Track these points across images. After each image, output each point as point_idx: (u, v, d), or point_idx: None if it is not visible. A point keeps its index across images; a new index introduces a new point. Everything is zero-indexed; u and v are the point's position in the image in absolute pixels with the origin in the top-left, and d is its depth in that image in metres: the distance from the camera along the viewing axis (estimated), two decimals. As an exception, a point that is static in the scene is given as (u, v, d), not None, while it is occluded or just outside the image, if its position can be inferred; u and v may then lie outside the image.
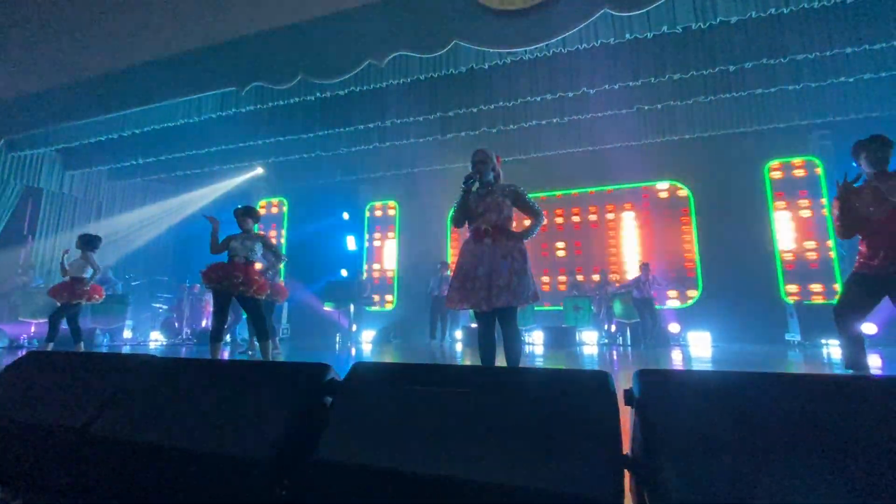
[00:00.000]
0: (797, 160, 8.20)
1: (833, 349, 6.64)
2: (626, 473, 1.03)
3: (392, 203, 10.89)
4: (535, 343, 8.18)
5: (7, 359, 5.13)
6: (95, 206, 10.45)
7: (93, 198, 10.37)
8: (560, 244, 9.51)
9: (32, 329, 8.14)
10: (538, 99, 6.51)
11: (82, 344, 5.50)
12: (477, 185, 2.77)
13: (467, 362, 5.18)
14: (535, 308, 8.14)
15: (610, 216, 9.30)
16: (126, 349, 7.80)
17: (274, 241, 7.35)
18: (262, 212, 11.36)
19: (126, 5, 5.82)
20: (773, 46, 5.36)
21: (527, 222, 2.84)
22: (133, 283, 10.16)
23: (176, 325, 9.31)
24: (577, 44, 5.47)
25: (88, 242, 5.53)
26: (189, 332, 9.07)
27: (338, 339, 9.40)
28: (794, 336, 7.17)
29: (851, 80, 6.01)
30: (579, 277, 8.68)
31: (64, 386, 1.60)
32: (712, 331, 7.78)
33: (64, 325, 5.40)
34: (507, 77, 6.38)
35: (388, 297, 10.47)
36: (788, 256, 8.04)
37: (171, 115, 7.39)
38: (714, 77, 6.13)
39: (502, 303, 2.56)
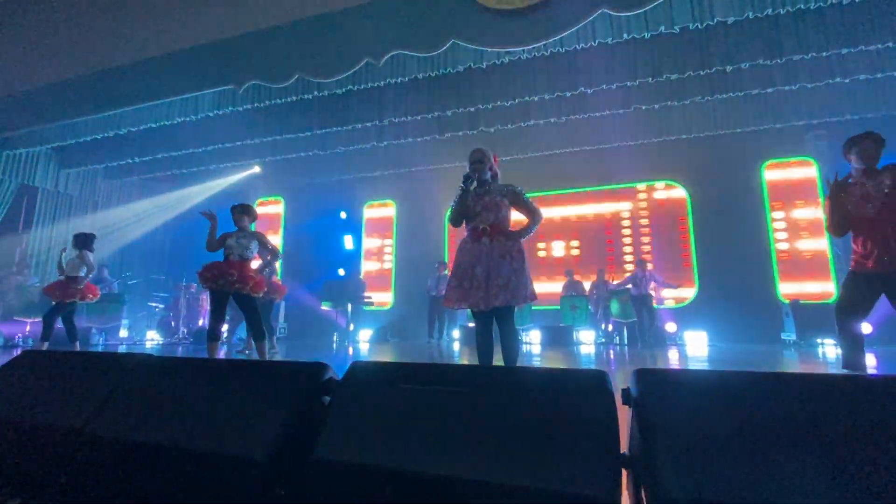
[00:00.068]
0: (793, 160, 8.25)
1: (828, 348, 6.68)
2: (624, 472, 1.03)
3: (389, 202, 10.88)
4: (532, 342, 8.19)
5: (2, 358, 5.09)
6: (91, 204, 10.39)
7: (88, 196, 10.31)
8: (558, 244, 9.53)
9: (27, 328, 8.09)
10: (536, 98, 6.52)
11: (78, 343, 5.48)
12: (475, 184, 2.77)
13: (465, 362, 5.18)
14: (533, 307, 8.15)
15: (607, 216, 9.33)
16: (122, 348, 7.76)
17: (271, 239, 7.34)
18: (260, 211, 11.33)
19: (122, 3, 5.79)
20: (770, 47, 5.38)
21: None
22: (129, 282, 10.12)
23: (172, 324, 9.28)
24: (575, 43, 5.48)
25: (84, 242, 5.50)
26: (185, 331, 9.04)
27: (335, 338, 9.39)
28: (789, 335, 7.21)
29: (847, 80, 6.04)
30: (576, 277, 8.69)
31: (60, 385, 1.59)
32: (709, 330, 7.82)
33: (59, 325, 5.38)
34: (505, 76, 6.38)
35: (386, 293, 10.47)
36: (784, 256, 8.08)
37: (168, 114, 7.36)
38: (711, 77, 6.16)
39: (500, 302, 2.56)
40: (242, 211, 4.32)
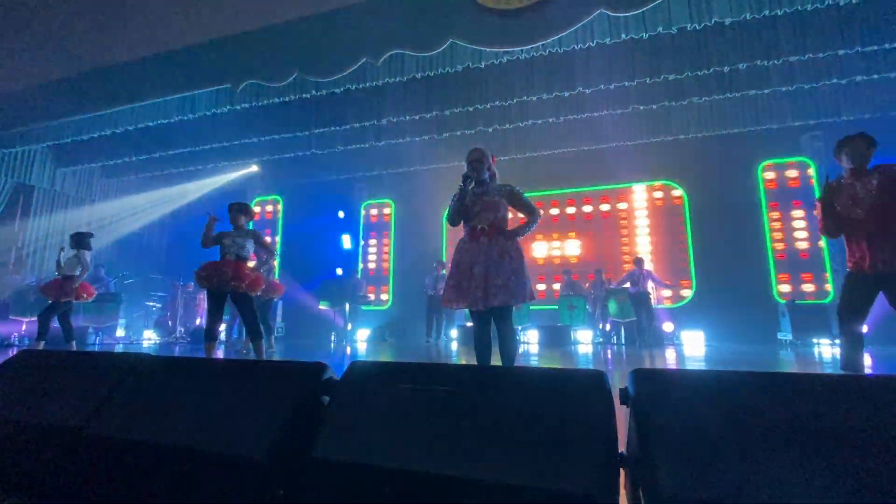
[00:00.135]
0: (789, 161, 8.29)
1: (824, 348, 6.72)
2: (622, 471, 1.04)
3: (388, 202, 10.87)
4: (529, 342, 8.20)
5: (-2, 357, 5.06)
6: (88, 203, 10.35)
7: (85, 195, 10.27)
8: (555, 243, 9.55)
9: (23, 327, 8.06)
10: (534, 98, 6.53)
11: (74, 343, 5.46)
12: (473, 184, 2.77)
13: (463, 361, 5.19)
14: (531, 307, 8.16)
15: (605, 216, 9.34)
16: (119, 348, 7.74)
17: (268, 239, 7.33)
18: (258, 210, 11.34)
19: (119, 1, 5.77)
20: (767, 48, 5.41)
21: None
22: (126, 282, 10.09)
23: (169, 323, 9.25)
24: (573, 44, 5.49)
25: (81, 241, 5.48)
26: (182, 330, 9.02)
27: (333, 337, 9.38)
28: (785, 335, 7.25)
29: (844, 81, 6.08)
30: (574, 276, 8.71)
31: (58, 385, 1.59)
32: (706, 330, 7.84)
33: (55, 324, 5.36)
34: (504, 76, 6.39)
35: (384, 289, 10.46)
36: (780, 256, 8.12)
37: (165, 112, 7.34)
38: (708, 78, 6.18)
39: (499, 302, 2.56)
40: (239, 210, 4.31)
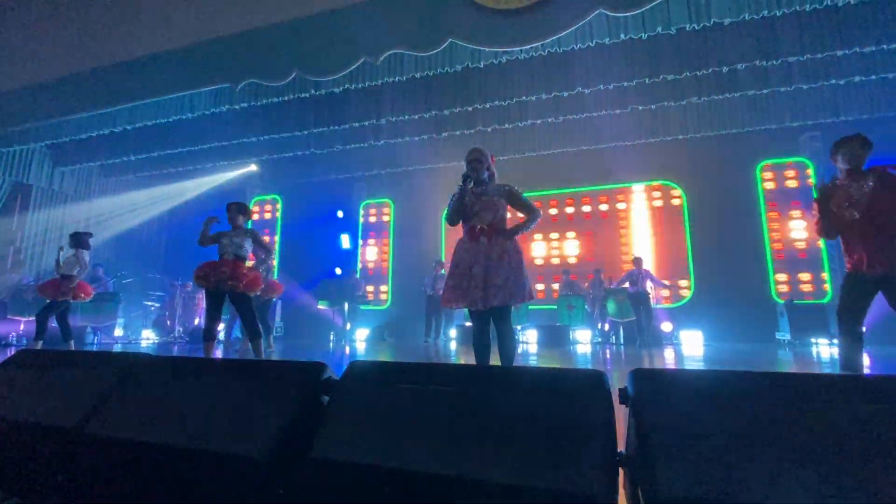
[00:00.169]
0: (788, 161, 8.31)
1: (822, 348, 6.73)
2: (621, 470, 1.04)
3: (387, 201, 10.87)
4: (528, 342, 8.20)
5: (-4, 357, 5.05)
6: (87, 202, 10.32)
7: (84, 194, 10.25)
8: (554, 243, 9.56)
9: (21, 327, 8.04)
10: (533, 98, 6.53)
11: (72, 342, 5.45)
12: (472, 183, 2.78)
13: (461, 361, 5.19)
14: (529, 307, 8.16)
15: (604, 216, 9.35)
16: (117, 347, 7.73)
17: (266, 238, 7.32)
18: (256, 209, 11.33)
19: (118, 1, 5.76)
20: (766, 48, 5.41)
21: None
22: (124, 281, 10.06)
23: (168, 323, 9.24)
24: (573, 44, 5.49)
25: (80, 240, 5.47)
26: (181, 330, 9.01)
27: (332, 337, 9.37)
28: (784, 335, 7.26)
29: (842, 82, 6.09)
30: (573, 276, 8.71)
31: (57, 385, 1.59)
32: (704, 330, 7.85)
33: (53, 324, 5.35)
34: (503, 76, 6.39)
35: (383, 289, 10.46)
36: (779, 256, 8.14)
37: (164, 112, 7.32)
38: (707, 78, 6.19)
39: (498, 301, 2.57)
40: (238, 210, 4.31)
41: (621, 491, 1.03)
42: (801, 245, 8.04)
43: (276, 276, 8.17)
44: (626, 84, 6.13)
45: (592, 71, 6.06)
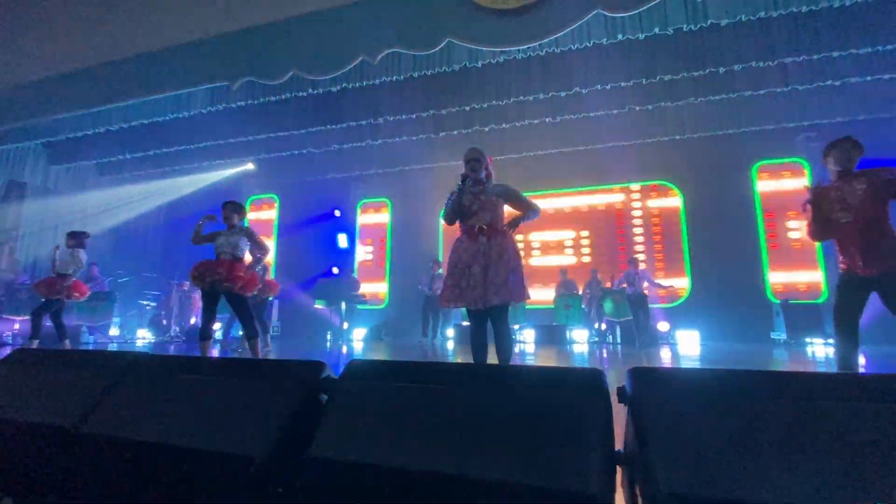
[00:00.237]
0: (784, 162, 8.35)
1: (818, 347, 6.77)
2: (619, 469, 1.04)
3: (384, 201, 10.86)
4: (525, 341, 8.22)
5: (-9, 356, 5.02)
6: (82, 201, 10.26)
7: (79, 193, 10.19)
8: (552, 243, 9.57)
9: (16, 326, 7.99)
10: (531, 98, 6.54)
11: (67, 341, 5.42)
12: (470, 183, 2.78)
13: (459, 360, 5.19)
14: (526, 306, 8.17)
15: (600, 216, 9.37)
16: (113, 347, 7.69)
17: (263, 238, 7.30)
18: (253, 208, 11.29)
19: (114, -3, 5.73)
20: (762, 49, 5.44)
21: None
22: (120, 280, 10.02)
23: (164, 322, 9.20)
24: (570, 44, 5.50)
25: (77, 239, 5.44)
26: (178, 329, 8.97)
27: (329, 336, 9.35)
28: (779, 335, 7.30)
29: (838, 83, 6.12)
30: (570, 276, 8.73)
31: (53, 384, 1.58)
32: (700, 329, 7.88)
33: (48, 323, 5.32)
34: (500, 76, 6.40)
35: (381, 288, 10.45)
36: (775, 257, 8.18)
37: (161, 110, 7.29)
38: (704, 79, 6.21)
39: (498, 300, 2.57)
40: (234, 209, 4.29)
41: (619, 489, 1.03)
42: (797, 245, 8.09)
43: (273, 276, 8.14)
44: (623, 84, 6.14)
45: (590, 71, 6.07)
